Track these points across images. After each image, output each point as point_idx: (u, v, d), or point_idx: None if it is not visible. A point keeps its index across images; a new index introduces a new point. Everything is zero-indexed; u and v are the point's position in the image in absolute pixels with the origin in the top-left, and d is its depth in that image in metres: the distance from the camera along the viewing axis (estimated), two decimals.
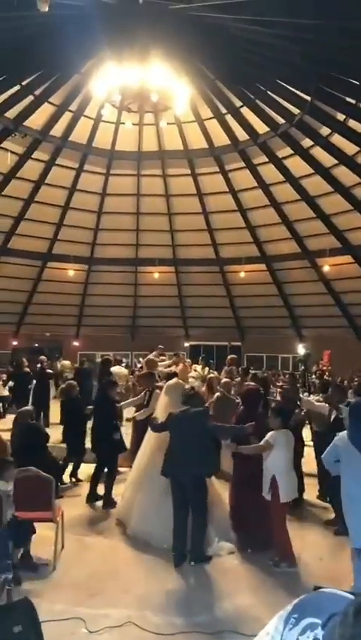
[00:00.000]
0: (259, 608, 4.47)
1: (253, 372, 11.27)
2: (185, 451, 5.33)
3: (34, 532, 5.18)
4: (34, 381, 12.20)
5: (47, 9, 6.77)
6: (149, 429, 6.43)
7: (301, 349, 21.23)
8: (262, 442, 5.40)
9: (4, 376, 15.30)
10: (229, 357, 11.45)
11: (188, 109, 13.94)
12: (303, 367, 18.21)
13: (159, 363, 11.08)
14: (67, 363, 17.47)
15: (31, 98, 14.35)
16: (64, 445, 8.87)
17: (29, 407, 7.51)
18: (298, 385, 11.88)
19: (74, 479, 8.28)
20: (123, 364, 16.07)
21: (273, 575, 5.15)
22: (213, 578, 5.14)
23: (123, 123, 15.53)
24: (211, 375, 10.87)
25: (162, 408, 6.38)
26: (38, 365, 12.84)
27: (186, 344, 23.71)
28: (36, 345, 23.54)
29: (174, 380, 6.81)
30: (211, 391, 8.92)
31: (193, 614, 4.46)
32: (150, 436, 6.44)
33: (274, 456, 5.34)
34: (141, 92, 11.60)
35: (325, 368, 18.50)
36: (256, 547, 5.63)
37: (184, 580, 5.12)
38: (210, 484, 5.75)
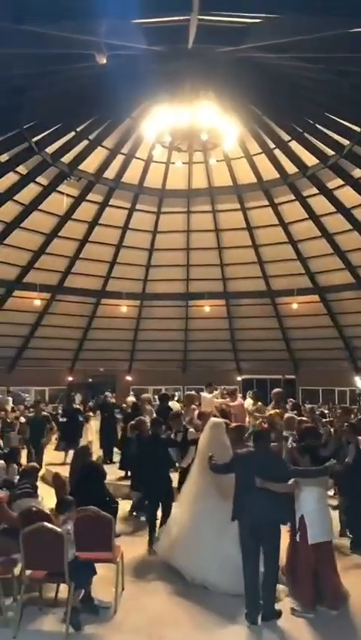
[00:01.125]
0: None
1: (310, 406, 11.03)
2: (259, 495, 4.94)
3: (95, 573, 5.14)
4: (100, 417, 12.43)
5: (104, 61, 7.10)
6: (193, 466, 6.29)
7: (358, 382, 20.56)
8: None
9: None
10: (273, 391, 11.20)
11: (236, 145, 14.14)
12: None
13: (215, 400, 11.00)
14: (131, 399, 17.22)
15: (85, 142, 14.96)
16: (120, 483, 8.88)
17: (87, 444, 7.55)
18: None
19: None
20: (175, 398, 16.09)
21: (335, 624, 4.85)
22: (279, 628, 4.90)
23: (173, 163, 15.93)
24: (272, 411, 10.49)
25: (203, 445, 6.25)
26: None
27: (239, 378, 23.44)
28: (90, 380, 23.90)
29: (217, 419, 6.76)
30: (274, 429, 8.67)
31: None
32: (196, 474, 6.25)
33: (301, 495, 5.20)
34: (190, 131, 11.90)
35: None
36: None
37: (250, 630, 4.89)
38: None
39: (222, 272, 21.14)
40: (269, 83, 11.91)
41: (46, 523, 4.88)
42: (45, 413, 13.61)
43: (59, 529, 4.86)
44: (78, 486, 6.63)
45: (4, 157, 13.99)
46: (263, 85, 12.10)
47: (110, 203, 18.09)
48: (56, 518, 5.42)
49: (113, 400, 14.54)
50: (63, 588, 5.19)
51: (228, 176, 17.45)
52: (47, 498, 6.92)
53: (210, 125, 11.65)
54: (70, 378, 23.48)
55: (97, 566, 5.27)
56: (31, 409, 18.40)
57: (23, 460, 10.28)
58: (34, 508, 5.55)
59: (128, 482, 9.43)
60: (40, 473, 8.12)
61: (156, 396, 13.08)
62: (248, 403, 12.37)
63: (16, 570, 5.18)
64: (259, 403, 12.12)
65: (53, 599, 5.33)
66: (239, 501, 5.08)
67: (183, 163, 15.87)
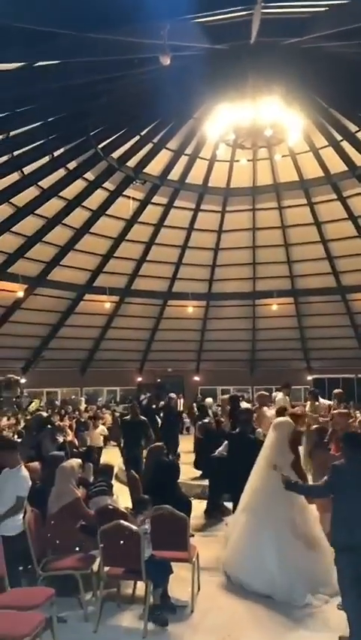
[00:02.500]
0: None
1: None
2: None
3: (172, 572, 5.16)
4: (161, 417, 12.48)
5: (168, 62, 7.14)
6: (255, 468, 6.08)
7: None
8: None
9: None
10: (335, 391, 10.78)
11: (302, 139, 13.82)
12: None
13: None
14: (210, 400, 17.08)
15: (149, 146, 15.16)
16: (193, 482, 8.88)
17: (160, 443, 7.61)
18: None
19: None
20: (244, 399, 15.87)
21: None
22: None
23: (238, 161, 15.81)
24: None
25: (269, 447, 6.00)
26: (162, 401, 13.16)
27: (309, 377, 22.94)
28: (158, 380, 24.20)
29: (283, 417, 6.51)
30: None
31: None
32: (256, 477, 6.00)
33: None
34: (254, 128, 11.76)
35: None
36: None
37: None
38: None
39: (289, 269, 20.74)
40: (335, 72, 11.54)
41: (122, 522, 4.95)
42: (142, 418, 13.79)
43: (135, 528, 4.92)
44: (152, 485, 6.69)
45: (73, 164, 14.42)
46: (329, 75, 11.75)
47: (175, 205, 18.22)
48: (132, 516, 5.50)
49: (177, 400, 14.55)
50: (140, 586, 5.25)
51: (293, 171, 17.08)
52: (121, 496, 7.05)
53: (274, 120, 11.45)
54: (139, 379, 23.86)
55: (173, 565, 5.30)
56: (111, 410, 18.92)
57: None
58: (110, 506, 5.66)
59: (201, 482, 9.48)
60: (115, 471, 8.26)
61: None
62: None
63: (95, 566, 5.28)
64: (317, 403, 11.63)
65: (130, 596, 5.41)
66: (341, 523, 4.30)
67: (248, 160, 15.71)
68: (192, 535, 6.78)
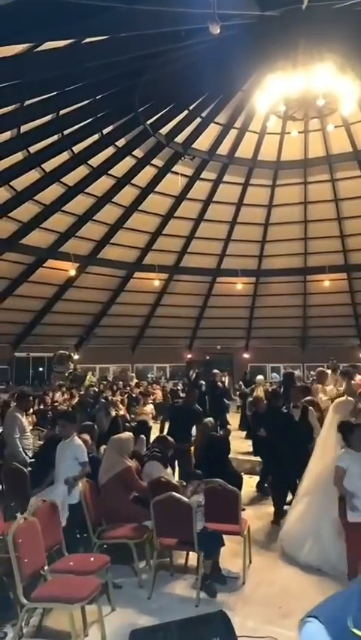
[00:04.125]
0: None
1: None
2: None
3: (223, 544, 5.24)
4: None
5: (218, 31, 6.98)
6: (318, 448, 6.00)
7: None
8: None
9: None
10: None
11: (356, 108, 13.27)
12: None
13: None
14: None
15: (198, 120, 14.95)
16: (243, 458, 8.92)
17: (210, 419, 7.68)
18: None
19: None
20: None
21: None
22: None
23: (289, 133, 15.39)
24: None
25: (325, 430, 5.89)
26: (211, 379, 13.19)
27: None
28: (208, 357, 24.28)
29: (345, 397, 6.35)
30: None
31: None
32: (316, 459, 5.93)
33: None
34: (305, 98, 11.39)
35: None
36: None
37: None
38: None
39: (342, 244, 20.17)
40: None
41: (174, 494, 5.04)
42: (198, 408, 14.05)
43: (186, 500, 5.01)
44: (203, 460, 6.78)
45: (122, 142, 14.44)
46: None
47: (224, 180, 17.98)
48: (184, 489, 5.60)
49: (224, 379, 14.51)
50: (193, 556, 5.36)
51: (347, 142, 16.46)
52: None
53: (326, 89, 11.05)
54: (189, 356, 24.02)
55: (225, 538, 5.38)
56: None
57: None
58: (163, 479, 5.77)
59: (251, 457, 9.51)
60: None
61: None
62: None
63: (148, 537, 5.43)
64: (353, 382, 11.28)
65: (183, 565, 5.54)
66: None
67: (299, 132, 15.30)
68: (244, 509, 6.87)
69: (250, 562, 5.62)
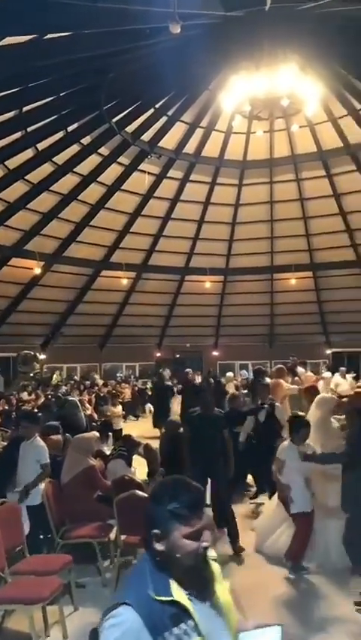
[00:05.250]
0: None
1: None
2: None
3: None
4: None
5: (178, 31, 6.99)
6: None
7: None
8: None
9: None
10: None
11: (320, 109, 13.51)
12: None
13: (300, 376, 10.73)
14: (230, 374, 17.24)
15: (164, 119, 14.96)
16: None
17: (177, 417, 7.71)
18: None
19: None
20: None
21: None
22: None
23: (254, 132, 15.55)
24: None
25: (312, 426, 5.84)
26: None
27: (328, 351, 22.83)
28: (178, 356, 24.33)
29: (326, 394, 6.50)
30: None
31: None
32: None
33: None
34: (270, 98, 11.52)
35: None
36: None
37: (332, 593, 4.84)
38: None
39: (308, 242, 20.47)
40: (353, 37, 11.16)
41: (137, 491, 5.06)
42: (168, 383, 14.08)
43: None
44: (168, 458, 6.80)
45: (87, 139, 14.33)
46: (346, 40, 11.36)
47: (190, 179, 18.04)
48: (148, 487, 5.62)
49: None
50: None
51: (312, 142, 16.73)
52: (139, 469, 7.18)
53: (290, 90, 11.21)
54: (158, 354, 24.02)
55: None
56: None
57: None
58: (126, 477, 5.78)
59: None
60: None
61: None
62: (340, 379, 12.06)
63: (112, 535, 5.43)
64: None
65: None
66: None
67: (264, 132, 15.47)
68: (208, 506, 6.93)
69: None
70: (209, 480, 5.85)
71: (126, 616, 1.49)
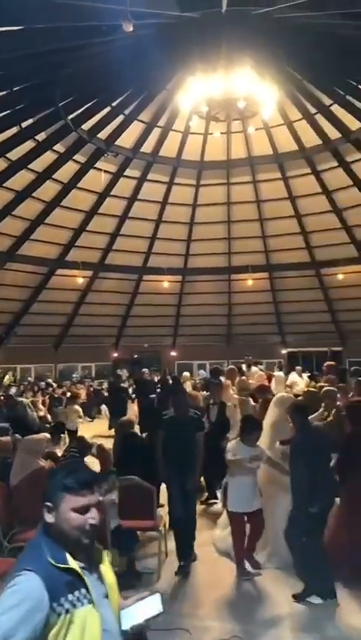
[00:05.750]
0: None
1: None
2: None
3: (138, 540, 5.27)
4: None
5: (131, 29, 6.97)
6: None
7: None
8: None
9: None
10: (326, 364, 10.59)
11: (276, 112, 13.73)
12: None
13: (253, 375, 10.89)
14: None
15: (121, 117, 14.87)
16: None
17: (130, 417, 7.67)
18: None
19: None
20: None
21: None
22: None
23: (211, 133, 15.66)
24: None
25: (268, 425, 5.93)
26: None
27: (283, 351, 23.21)
28: (135, 356, 24.22)
29: (285, 393, 6.57)
30: None
31: (302, 632, 4.27)
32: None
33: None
34: (227, 100, 11.64)
35: None
36: None
37: (281, 593, 4.91)
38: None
39: (264, 244, 20.77)
40: (308, 43, 11.39)
41: None
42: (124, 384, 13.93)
43: (100, 498, 4.97)
44: (121, 458, 6.76)
45: (42, 136, 14.09)
46: (302, 46, 11.59)
47: (148, 178, 18.01)
48: (99, 488, 5.56)
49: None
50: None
51: (268, 145, 17.00)
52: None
53: (247, 93, 11.35)
54: (115, 355, 23.85)
55: (141, 534, 5.40)
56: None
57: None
58: None
59: None
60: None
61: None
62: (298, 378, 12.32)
63: None
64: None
65: None
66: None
67: (222, 133, 15.59)
68: (162, 506, 6.92)
69: (167, 556, 5.68)
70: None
71: (28, 582, 1.59)
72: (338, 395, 7.26)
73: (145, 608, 1.85)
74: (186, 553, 5.45)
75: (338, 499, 4.95)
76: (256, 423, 5.50)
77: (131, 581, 5.04)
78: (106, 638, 1.69)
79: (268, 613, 4.61)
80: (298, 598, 4.71)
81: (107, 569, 1.86)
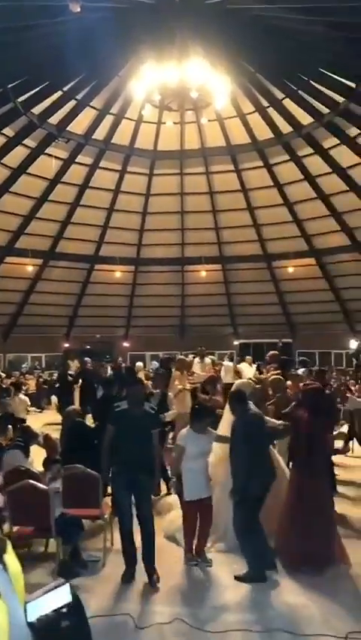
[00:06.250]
0: (311, 608, 4.34)
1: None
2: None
3: (83, 529, 5.23)
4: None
5: (78, 9, 6.80)
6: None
7: (353, 343, 20.65)
8: None
9: None
10: (269, 353, 10.78)
11: (229, 104, 13.79)
12: (356, 362, 17.67)
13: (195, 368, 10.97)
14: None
15: (73, 103, 14.58)
16: None
17: (76, 406, 7.59)
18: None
19: None
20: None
21: (329, 577, 4.95)
22: (270, 579, 4.98)
23: (164, 123, 15.58)
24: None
25: (228, 413, 5.88)
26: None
27: (236, 342, 23.51)
28: (88, 347, 23.94)
29: (245, 380, 6.64)
30: None
31: (245, 612, 4.36)
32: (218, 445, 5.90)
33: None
34: (180, 89, 11.57)
35: None
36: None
37: (231, 577, 5.02)
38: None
39: (217, 235, 20.92)
40: (260, 37, 11.51)
41: (30, 481, 4.92)
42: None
43: (43, 487, 4.91)
44: (67, 447, 6.68)
45: None
46: (254, 39, 11.70)
47: (100, 166, 17.76)
48: (44, 477, 5.49)
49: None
50: (53, 543, 5.29)
51: (221, 137, 17.09)
52: (38, 459, 6.98)
53: (200, 83, 11.31)
54: (66, 345, 23.50)
55: (87, 522, 5.36)
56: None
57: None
58: (22, 468, 5.60)
59: None
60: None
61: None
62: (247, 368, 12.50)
63: (6, 527, 5.25)
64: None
65: (42, 553, 5.44)
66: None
67: (175, 123, 15.53)
68: (108, 495, 6.89)
69: (112, 544, 5.67)
70: None
71: None
72: (289, 383, 7.60)
73: (54, 598, 1.79)
74: (150, 560, 4.97)
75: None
76: (204, 411, 5.56)
77: (77, 569, 5.01)
78: (13, 632, 1.60)
79: (213, 596, 4.68)
80: (240, 579, 4.83)
81: (11, 558, 1.79)
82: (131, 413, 4.98)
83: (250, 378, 8.16)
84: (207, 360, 12.71)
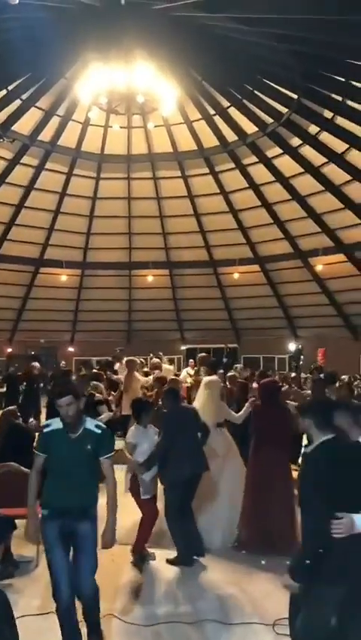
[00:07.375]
0: (240, 599, 4.43)
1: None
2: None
3: (15, 528, 5.12)
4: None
5: (16, 2, 6.72)
6: None
7: (291, 346, 21.22)
8: None
9: None
10: (199, 355, 11.00)
11: (176, 110, 13.93)
12: (295, 364, 18.16)
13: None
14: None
15: (18, 102, 14.35)
16: None
17: (13, 407, 7.41)
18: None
19: None
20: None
21: (259, 567, 5.07)
22: (199, 571, 5.06)
23: (111, 126, 15.57)
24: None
25: (202, 403, 6.14)
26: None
27: (183, 347, 23.63)
28: (32, 352, 23.41)
29: (214, 377, 6.72)
30: None
31: (175, 605, 4.41)
32: None
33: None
34: (127, 94, 11.61)
35: (320, 364, 18.40)
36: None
37: (168, 572, 5.05)
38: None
39: (164, 241, 21.02)
40: (205, 45, 11.74)
41: None
42: None
43: None
44: (5, 449, 6.54)
45: None
46: (199, 47, 11.92)
47: (46, 167, 17.53)
48: None
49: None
50: None
51: (168, 143, 17.23)
52: None
53: (146, 88, 11.40)
54: (9, 350, 22.94)
55: (20, 523, 5.24)
56: None
57: None
58: None
59: None
60: None
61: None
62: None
63: None
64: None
65: None
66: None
67: (121, 127, 15.52)
68: None
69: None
70: None
71: None
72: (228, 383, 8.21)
73: None
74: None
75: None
76: (141, 403, 5.66)
77: (8, 569, 4.91)
78: None
79: (144, 589, 4.72)
80: (171, 562, 5.12)
81: None
82: (65, 435, 3.54)
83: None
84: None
